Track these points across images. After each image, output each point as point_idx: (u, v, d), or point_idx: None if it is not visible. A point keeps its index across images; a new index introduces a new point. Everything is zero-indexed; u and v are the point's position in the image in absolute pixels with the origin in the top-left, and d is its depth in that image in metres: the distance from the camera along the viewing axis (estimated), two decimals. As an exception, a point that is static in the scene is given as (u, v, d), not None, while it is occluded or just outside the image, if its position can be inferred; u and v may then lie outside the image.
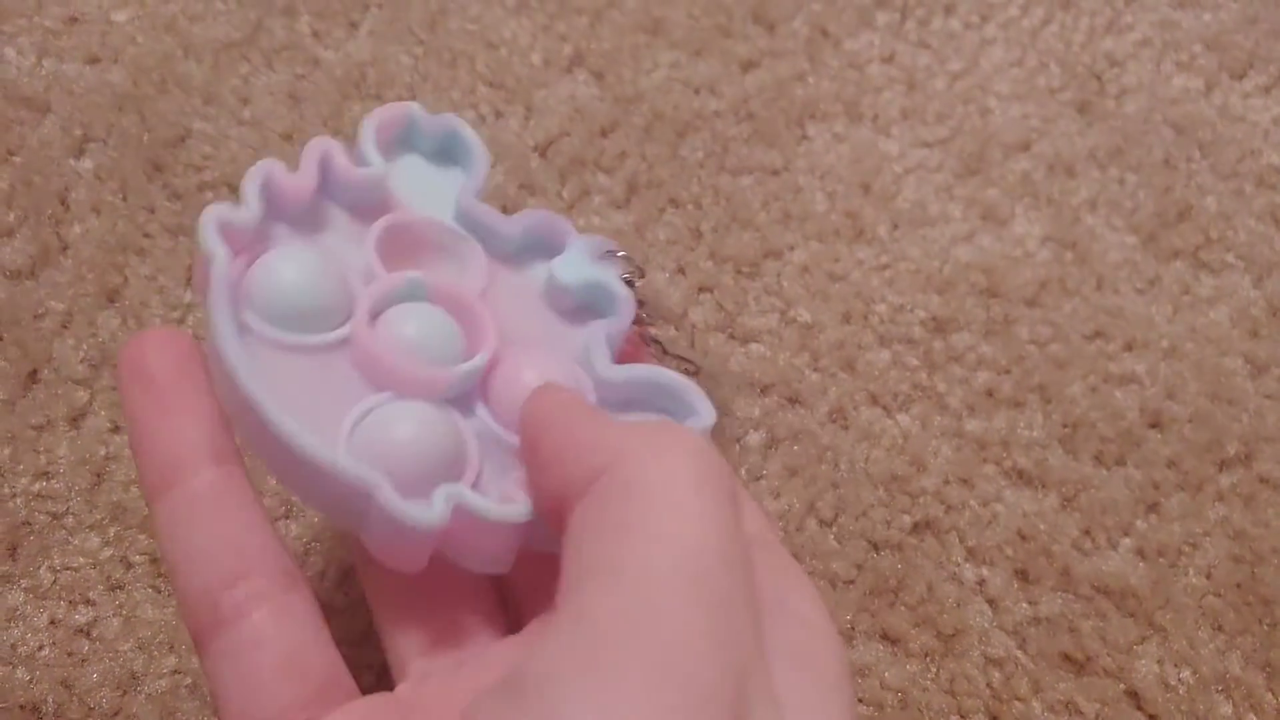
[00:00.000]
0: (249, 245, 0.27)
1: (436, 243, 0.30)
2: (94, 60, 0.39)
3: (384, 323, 0.27)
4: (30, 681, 0.32)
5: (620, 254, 0.31)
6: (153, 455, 0.25)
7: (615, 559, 0.20)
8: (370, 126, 0.29)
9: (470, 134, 0.31)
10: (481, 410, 0.28)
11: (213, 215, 0.26)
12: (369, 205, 0.29)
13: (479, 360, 0.27)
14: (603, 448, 0.22)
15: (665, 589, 0.19)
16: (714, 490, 0.21)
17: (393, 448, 0.25)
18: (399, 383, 0.27)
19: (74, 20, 0.40)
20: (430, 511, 0.24)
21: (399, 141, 0.31)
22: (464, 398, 0.28)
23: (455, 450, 0.26)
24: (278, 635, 0.24)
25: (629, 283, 0.31)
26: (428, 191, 0.30)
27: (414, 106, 0.30)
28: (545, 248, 0.31)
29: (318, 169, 0.28)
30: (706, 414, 0.28)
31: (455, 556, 0.26)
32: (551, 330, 0.30)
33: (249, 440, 0.26)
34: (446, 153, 0.31)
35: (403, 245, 0.29)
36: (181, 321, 0.36)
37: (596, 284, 0.30)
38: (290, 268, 0.26)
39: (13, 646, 0.32)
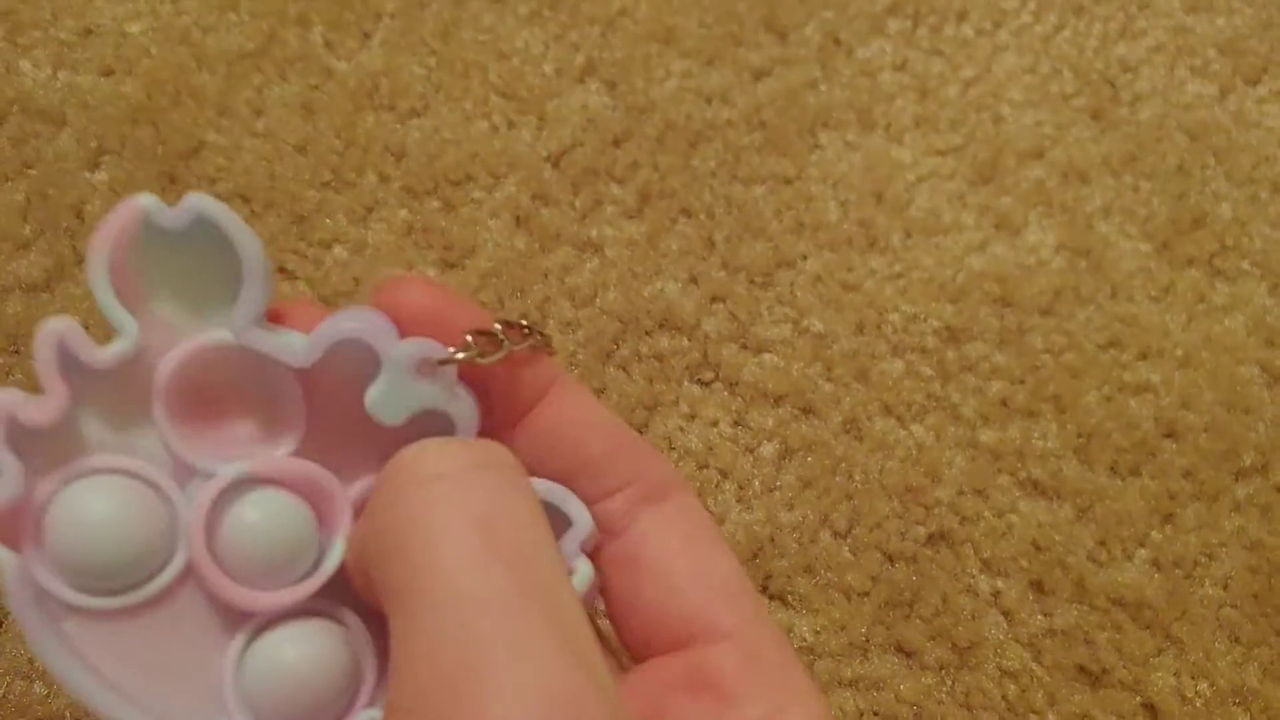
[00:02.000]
0: (43, 474, 0.22)
1: (239, 380, 0.24)
2: (108, 72, 0.40)
3: (223, 544, 0.23)
4: (47, 696, 0.32)
5: (456, 356, 0.24)
6: None
7: (404, 627, 0.19)
8: (100, 265, 0.22)
9: (233, 226, 0.23)
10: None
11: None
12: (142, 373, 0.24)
13: (331, 563, 0.24)
14: (359, 531, 0.22)
15: (450, 639, 0.19)
16: (458, 497, 0.20)
17: (289, 680, 0.23)
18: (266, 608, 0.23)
19: (88, 32, 0.40)
20: None
21: (139, 259, 0.23)
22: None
23: (355, 664, 0.23)
24: None
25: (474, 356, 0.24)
26: (209, 312, 0.24)
27: (145, 201, 0.23)
28: (360, 360, 0.24)
29: (59, 374, 0.22)
30: (583, 522, 0.24)
31: None
32: (388, 452, 0.24)
33: None
34: (215, 250, 0.23)
35: (204, 396, 0.24)
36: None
37: (428, 413, 0.24)
38: (90, 518, 0.22)
39: (30, 661, 0.33)
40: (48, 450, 0.22)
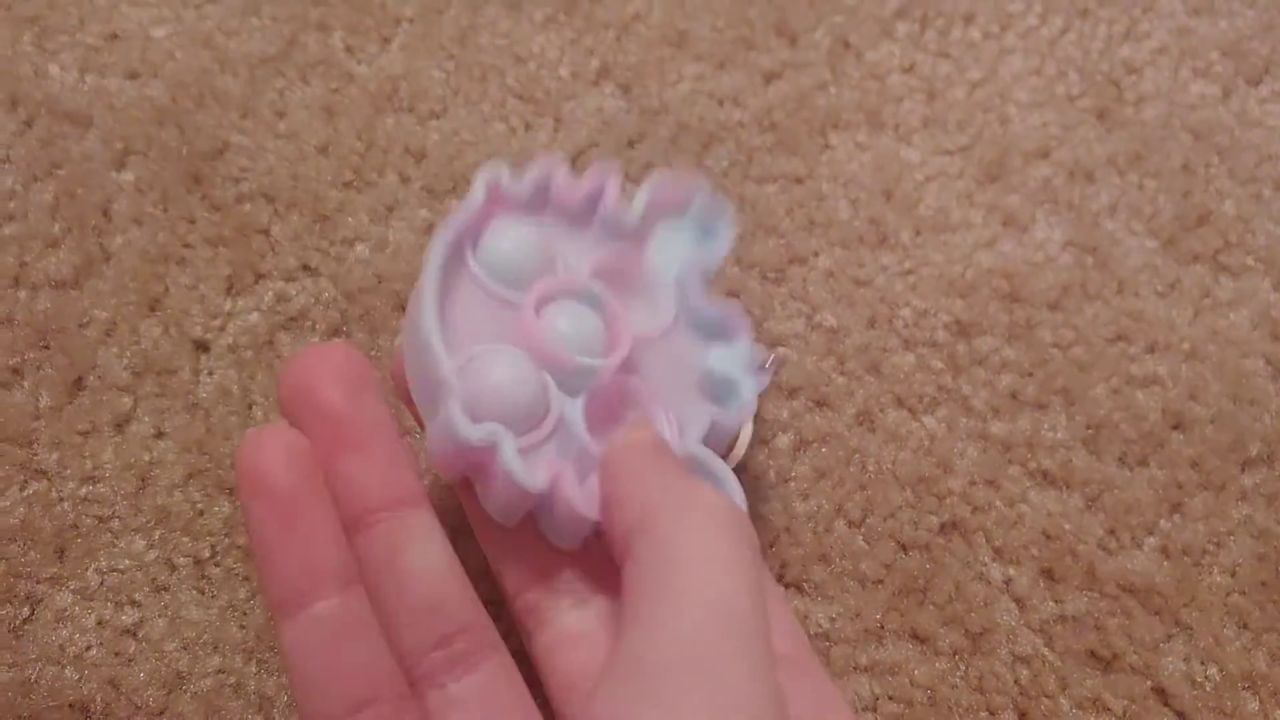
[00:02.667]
0: (499, 209, 0.31)
1: (639, 280, 0.33)
2: (134, 75, 0.40)
3: (548, 310, 0.30)
4: (79, 680, 0.33)
5: (773, 361, 0.35)
6: (278, 576, 0.26)
7: (655, 614, 0.22)
8: (649, 190, 0.33)
9: (725, 215, 0.33)
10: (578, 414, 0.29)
11: (491, 171, 0.30)
12: (616, 238, 0.33)
13: (604, 361, 0.30)
14: (638, 506, 0.25)
15: (701, 635, 0.22)
16: (732, 545, 0.24)
17: (483, 383, 0.28)
18: (539, 355, 0.29)
19: (114, 37, 0.41)
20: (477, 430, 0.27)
21: (667, 209, 0.33)
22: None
23: (529, 404, 0.29)
24: None
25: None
26: (668, 249, 0.33)
27: (699, 185, 0.33)
28: (719, 332, 0.33)
29: (592, 187, 0.32)
30: (737, 491, 0.30)
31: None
32: (685, 396, 0.32)
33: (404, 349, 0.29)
34: (702, 226, 0.33)
35: (612, 269, 0.32)
36: (223, 330, 0.37)
37: (733, 383, 0.32)
38: (512, 236, 0.30)
39: (61, 646, 0.33)
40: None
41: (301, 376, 0.27)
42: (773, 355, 0.37)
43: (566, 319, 0.30)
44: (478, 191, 0.30)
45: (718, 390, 0.32)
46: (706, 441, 0.31)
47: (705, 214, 0.33)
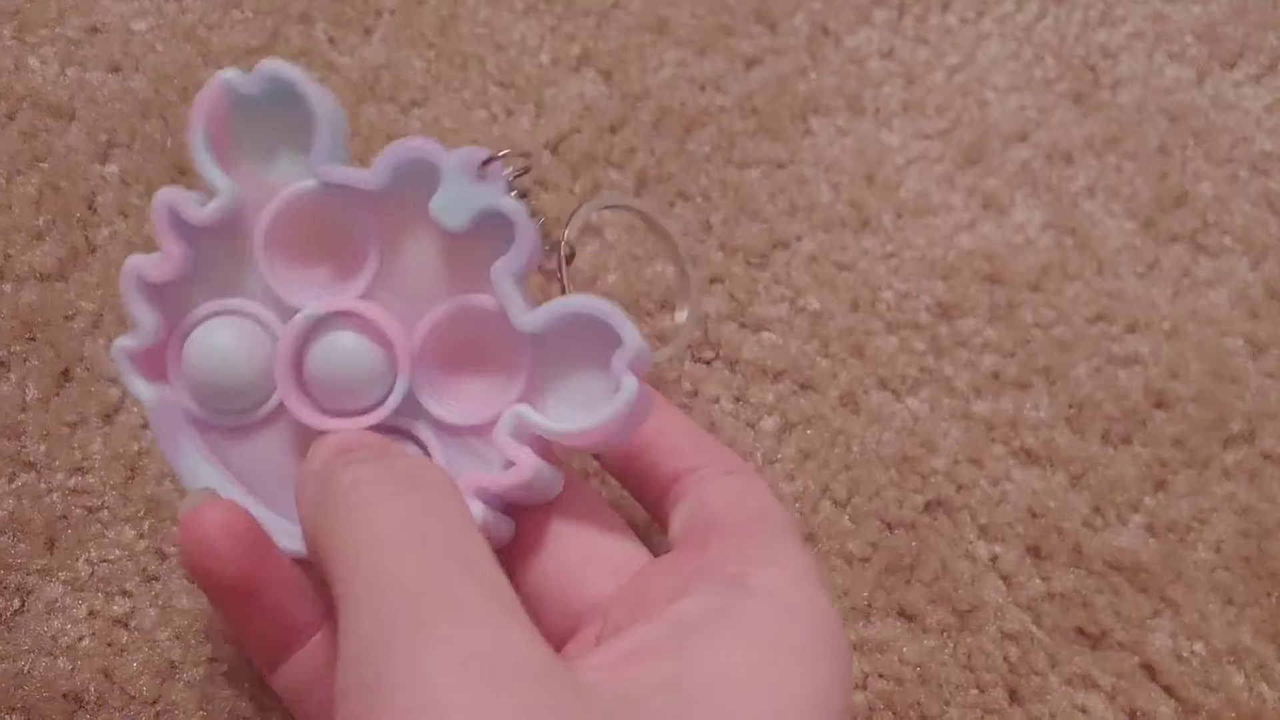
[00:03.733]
0: (171, 321, 0.28)
1: (322, 226, 0.28)
2: (116, 68, 0.40)
3: (308, 378, 0.28)
4: (72, 671, 0.33)
5: (501, 155, 0.27)
6: (253, 642, 0.27)
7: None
8: (199, 134, 0.27)
9: (299, 80, 0.27)
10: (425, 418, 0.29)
11: (119, 350, 0.27)
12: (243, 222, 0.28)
13: (394, 398, 0.28)
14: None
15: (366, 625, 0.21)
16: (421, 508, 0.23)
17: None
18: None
19: (95, 30, 0.41)
20: None
21: (227, 127, 0.28)
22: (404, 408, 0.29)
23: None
24: None
25: (522, 193, 0.28)
26: (291, 168, 0.28)
27: (227, 74, 0.27)
28: (422, 181, 0.27)
29: (173, 237, 0.27)
30: (632, 340, 0.27)
31: None
32: (456, 275, 0.28)
33: None
34: (290, 110, 0.28)
35: (295, 242, 0.28)
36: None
37: (487, 211, 0.27)
38: (218, 350, 0.27)
39: (53, 637, 0.33)
40: (173, 301, 0.27)
41: (197, 545, 0.26)
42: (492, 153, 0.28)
43: (333, 368, 0.27)
44: (144, 319, 0.27)
45: (480, 231, 0.28)
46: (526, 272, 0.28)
47: (259, 92, 0.28)
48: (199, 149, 0.27)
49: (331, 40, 0.42)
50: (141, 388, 0.27)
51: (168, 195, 0.27)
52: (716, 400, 0.39)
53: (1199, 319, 0.41)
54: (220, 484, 0.28)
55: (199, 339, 0.27)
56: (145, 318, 0.27)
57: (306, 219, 0.28)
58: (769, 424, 0.38)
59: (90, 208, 0.38)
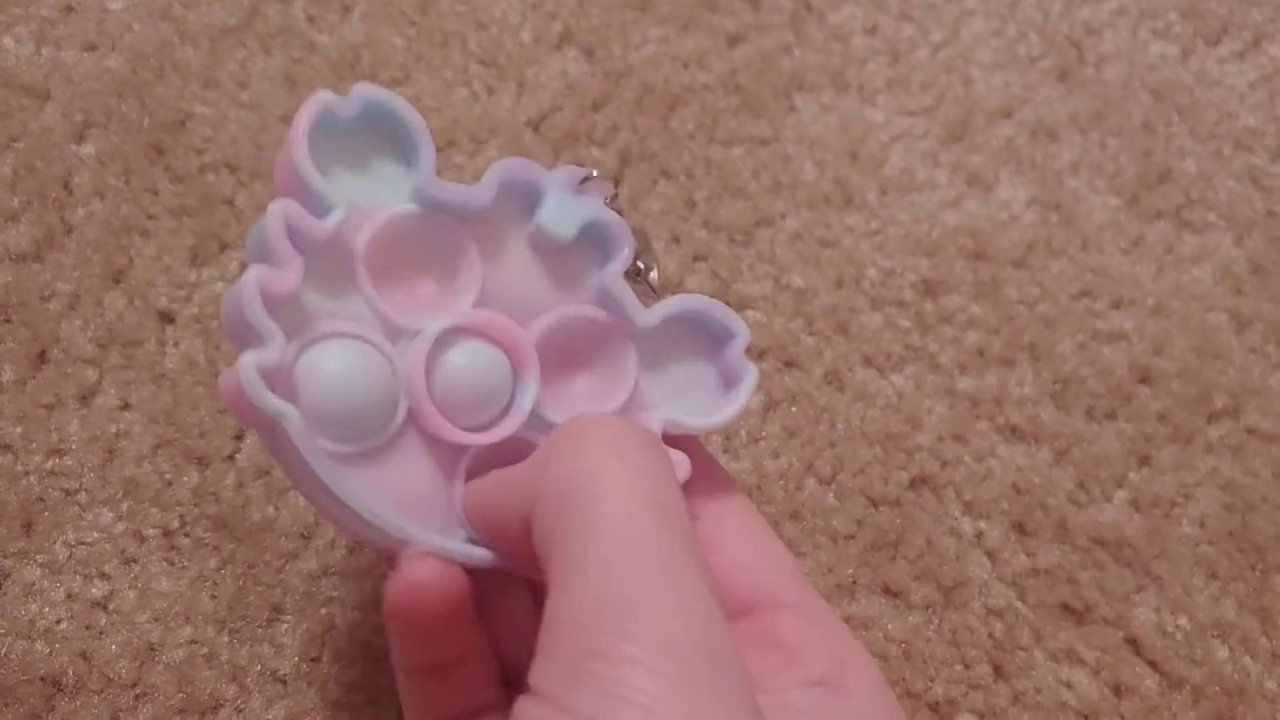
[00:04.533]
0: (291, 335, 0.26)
1: (420, 245, 0.28)
2: (92, 48, 0.40)
3: (438, 389, 0.27)
4: (50, 654, 0.32)
5: (594, 175, 0.29)
6: (412, 656, 0.27)
7: (570, 560, 0.21)
8: (304, 153, 0.26)
9: (398, 104, 0.27)
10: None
11: (251, 369, 0.24)
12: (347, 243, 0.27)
13: (525, 401, 0.28)
14: (536, 472, 0.23)
15: (608, 586, 0.21)
16: (630, 458, 0.23)
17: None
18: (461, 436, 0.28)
19: (70, 9, 0.40)
20: None
21: (323, 147, 0.27)
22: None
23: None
24: None
25: (618, 210, 0.29)
26: (381, 189, 0.28)
27: (325, 96, 0.27)
28: (522, 198, 0.29)
29: (292, 250, 0.25)
30: (742, 331, 0.30)
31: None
32: (555, 286, 0.29)
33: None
34: (378, 133, 0.28)
35: (393, 262, 0.28)
36: (188, 300, 0.37)
37: (591, 224, 0.29)
38: (334, 376, 0.26)
39: (31, 621, 0.33)
40: (287, 318, 0.25)
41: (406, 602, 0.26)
42: (587, 173, 0.29)
43: (464, 386, 0.27)
44: (273, 337, 0.25)
45: (580, 244, 0.29)
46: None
47: (354, 115, 0.27)
48: (307, 163, 0.26)
49: (310, 18, 0.42)
50: (281, 406, 0.24)
51: (285, 207, 0.25)
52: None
53: (1183, 295, 0.41)
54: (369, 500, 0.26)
55: (315, 364, 0.26)
56: (274, 332, 0.24)
57: (406, 238, 0.28)
58: (754, 402, 0.38)
59: (66, 188, 0.38)
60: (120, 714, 0.32)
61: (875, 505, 0.37)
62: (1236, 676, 0.36)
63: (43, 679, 0.32)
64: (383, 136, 0.28)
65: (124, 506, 0.34)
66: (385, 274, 0.27)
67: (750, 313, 0.39)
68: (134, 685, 0.33)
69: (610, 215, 0.29)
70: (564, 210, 0.28)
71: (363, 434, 0.26)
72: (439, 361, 0.27)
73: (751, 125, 0.42)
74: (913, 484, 0.37)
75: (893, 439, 0.38)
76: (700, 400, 0.30)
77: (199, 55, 0.40)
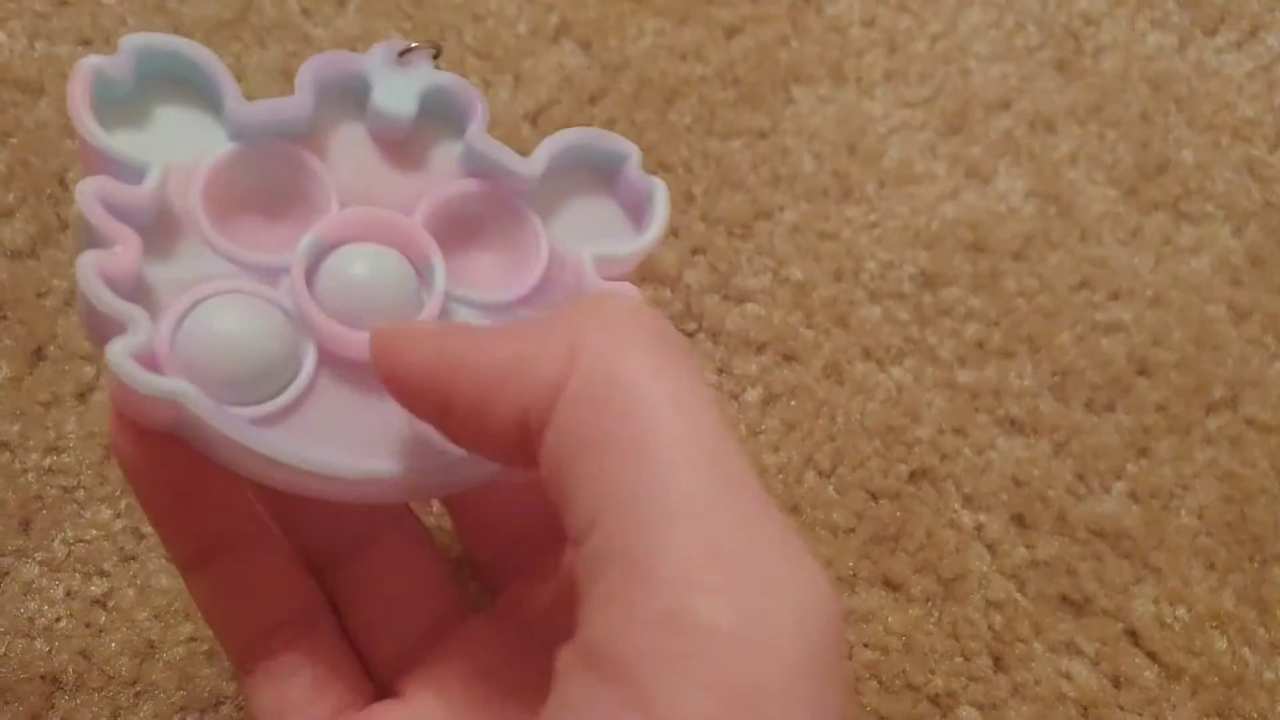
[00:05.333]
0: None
1: (260, 180, 0.26)
2: (86, 42, 0.40)
3: (327, 298, 0.25)
4: (50, 652, 0.32)
5: (413, 46, 0.26)
6: (176, 546, 0.26)
7: (627, 485, 0.18)
8: (90, 124, 0.23)
9: (176, 44, 0.25)
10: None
11: (122, 355, 0.21)
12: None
13: (438, 281, 0.25)
14: (553, 352, 0.20)
15: (692, 507, 0.17)
16: (674, 359, 0.19)
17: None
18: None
19: (64, 3, 0.40)
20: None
21: (114, 105, 0.25)
22: None
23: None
24: (309, 666, 0.27)
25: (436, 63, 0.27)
26: (196, 139, 0.25)
27: (92, 62, 0.24)
28: (347, 94, 0.26)
29: (118, 224, 0.23)
30: (632, 149, 0.27)
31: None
32: (416, 173, 0.27)
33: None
34: (170, 82, 0.25)
35: (238, 207, 0.26)
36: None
37: (429, 92, 0.26)
38: (227, 335, 0.23)
39: (30, 619, 0.33)
40: (143, 302, 0.23)
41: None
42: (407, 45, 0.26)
43: (359, 277, 0.25)
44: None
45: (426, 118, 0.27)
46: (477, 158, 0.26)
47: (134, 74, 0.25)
48: (95, 130, 0.23)
49: (305, 11, 0.41)
50: (171, 384, 0.22)
51: (96, 184, 0.23)
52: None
53: (1181, 286, 0.41)
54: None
55: (200, 328, 0.23)
56: (132, 311, 0.22)
57: (242, 178, 0.25)
58: (752, 395, 0.38)
59: (61, 184, 0.38)
60: (121, 711, 0.32)
61: (875, 498, 0.37)
62: (1235, 667, 0.36)
63: (42, 677, 0.32)
64: (176, 83, 0.25)
65: (123, 504, 0.34)
66: (234, 222, 0.25)
67: (749, 306, 0.39)
68: (134, 683, 0.32)
69: (446, 77, 0.26)
70: (395, 87, 0.25)
71: (272, 390, 0.24)
72: (329, 279, 0.25)
73: (750, 118, 0.42)
74: (912, 477, 0.37)
75: (892, 432, 0.38)
76: (616, 235, 0.27)
77: (194, 49, 0.40)
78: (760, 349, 0.39)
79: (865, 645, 0.35)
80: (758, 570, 0.17)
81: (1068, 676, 0.36)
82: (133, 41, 0.24)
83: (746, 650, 0.16)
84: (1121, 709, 0.35)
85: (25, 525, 0.34)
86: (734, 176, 0.41)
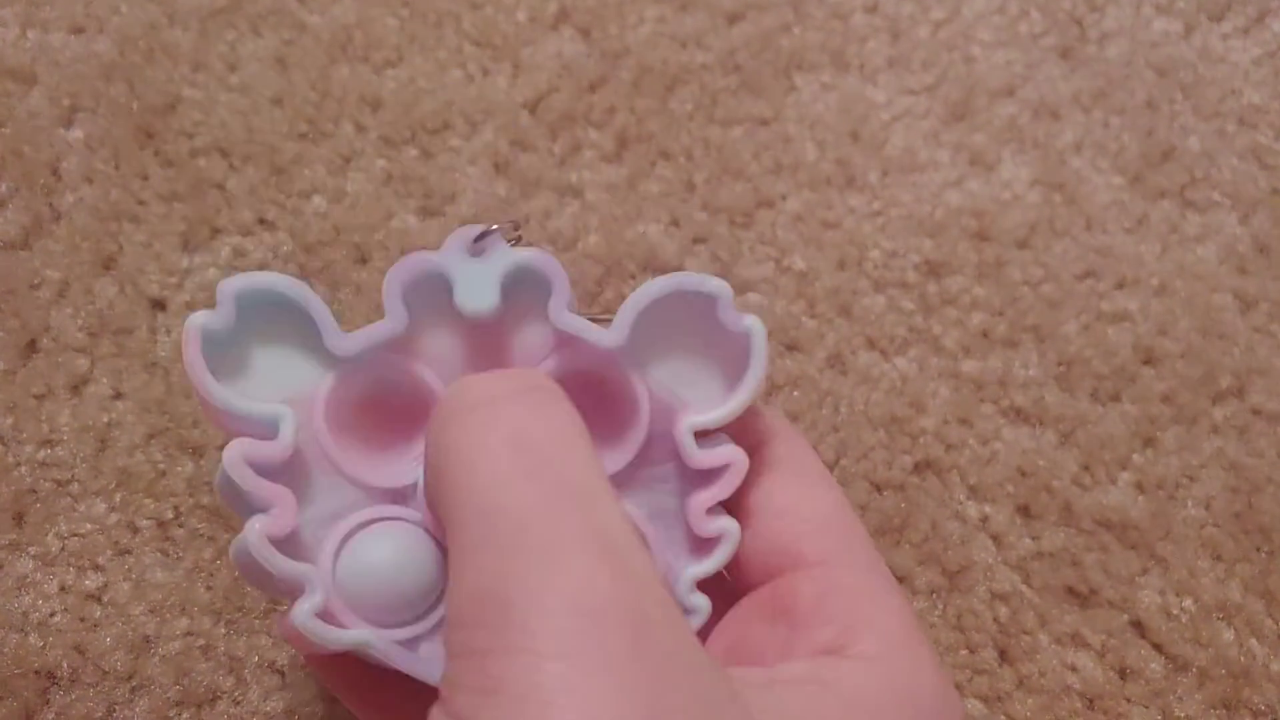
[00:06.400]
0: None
1: (365, 400, 0.26)
2: (79, 30, 0.39)
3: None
4: (44, 647, 0.32)
5: (492, 228, 0.25)
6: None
7: (452, 546, 0.20)
8: (213, 388, 0.24)
9: (271, 281, 0.24)
10: None
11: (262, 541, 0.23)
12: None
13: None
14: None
15: (489, 557, 0.19)
16: (499, 416, 0.21)
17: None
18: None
19: (56, -9, 0.40)
20: None
21: (221, 350, 0.25)
22: None
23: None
24: None
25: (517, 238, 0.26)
26: (297, 363, 0.25)
27: (197, 319, 0.24)
28: (433, 294, 0.25)
29: (271, 486, 0.24)
30: (720, 286, 0.26)
31: None
32: (509, 357, 0.26)
33: None
34: (265, 314, 0.25)
35: (350, 431, 0.26)
36: (180, 287, 0.36)
37: (510, 274, 0.25)
38: (382, 565, 0.24)
39: (24, 614, 0.32)
40: (305, 543, 0.24)
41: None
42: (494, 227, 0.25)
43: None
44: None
45: (512, 302, 0.26)
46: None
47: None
48: (226, 396, 0.24)
49: (301, -1, 0.41)
50: (360, 635, 0.23)
51: (242, 450, 0.23)
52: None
53: (1187, 274, 0.41)
54: None
55: (357, 563, 0.24)
56: (306, 572, 0.23)
57: (349, 403, 0.26)
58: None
59: (54, 173, 0.37)
60: (116, 707, 0.32)
61: (879, 490, 0.37)
62: (1242, 659, 0.36)
63: (37, 672, 0.32)
64: (271, 314, 0.25)
65: (117, 497, 0.34)
66: (350, 443, 0.25)
67: (751, 296, 0.39)
68: (130, 678, 0.32)
69: (527, 255, 0.25)
70: (474, 281, 0.25)
71: (428, 605, 0.25)
72: None
73: (751, 105, 0.42)
74: (917, 468, 0.37)
75: (897, 423, 0.38)
76: (707, 381, 0.26)
77: (188, 37, 0.40)
78: (762, 339, 0.38)
79: (869, 638, 0.35)
80: None
81: (1073, 668, 0.35)
82: (231, 287, 0.24)
83: None
84: (1128, 701, 0.35)
85: (18, 519, 0.33)
86: (735, 165, 0.41)
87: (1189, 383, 0.39)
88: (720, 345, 0.26)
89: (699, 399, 0.26)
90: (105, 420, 0.35)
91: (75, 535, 0.33)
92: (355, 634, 0.23)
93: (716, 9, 0.43)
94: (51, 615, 0.32)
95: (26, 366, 0.35)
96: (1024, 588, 0.36)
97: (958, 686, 0.35)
